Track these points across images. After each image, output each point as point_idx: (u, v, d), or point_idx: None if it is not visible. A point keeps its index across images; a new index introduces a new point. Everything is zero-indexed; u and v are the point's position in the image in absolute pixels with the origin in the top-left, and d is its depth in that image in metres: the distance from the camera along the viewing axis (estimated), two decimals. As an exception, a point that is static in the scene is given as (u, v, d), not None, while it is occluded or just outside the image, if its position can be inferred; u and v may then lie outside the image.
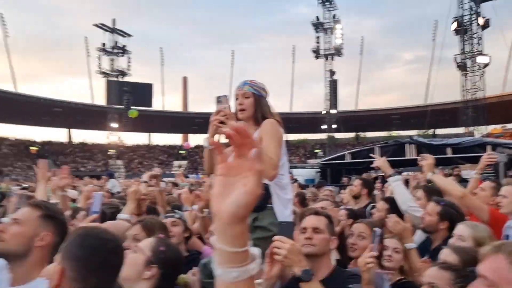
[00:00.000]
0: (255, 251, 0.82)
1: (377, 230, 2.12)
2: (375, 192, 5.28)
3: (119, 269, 1.34)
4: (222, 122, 2.18)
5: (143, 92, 49.06)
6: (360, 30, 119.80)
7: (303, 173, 16.35)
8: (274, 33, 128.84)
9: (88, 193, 4.38)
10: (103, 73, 48.55)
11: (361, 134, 59.80)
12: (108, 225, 1.93)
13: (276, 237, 1.79)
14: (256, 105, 2.46)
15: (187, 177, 14.79)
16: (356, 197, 4.94)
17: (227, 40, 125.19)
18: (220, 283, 0.79)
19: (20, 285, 1.72)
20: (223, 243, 0.79)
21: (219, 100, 2.24)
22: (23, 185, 10.63)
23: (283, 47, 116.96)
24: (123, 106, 45.88)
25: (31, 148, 48.43)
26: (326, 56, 46.28)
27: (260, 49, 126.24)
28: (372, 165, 4.26)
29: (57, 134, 53.81)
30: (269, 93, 2.56)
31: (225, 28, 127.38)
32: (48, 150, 49.12)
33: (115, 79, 48.71)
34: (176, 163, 49.26)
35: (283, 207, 2.42)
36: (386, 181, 4.39)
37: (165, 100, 61.98)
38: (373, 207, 4.13)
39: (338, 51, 46.13)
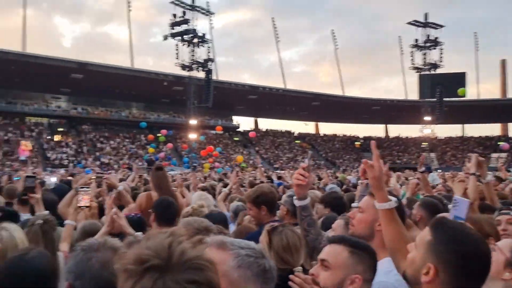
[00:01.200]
0: None
1: None
2: None
3: (485, 277, 1.20)
4: None
5: (455, 82, 44.68)
6: None
7: None
8: None
9: (413, 185, 4.39)
10: (416, 68, 47.63)
11: None
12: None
13: None
14: None
15: (508, 171, 12.60)
16: None
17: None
18: None
19: None
20: None
21: None
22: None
23: None
24: (435, 99, 43.53)
25: (355, 143, 53.34)
26: None
27: None
28: None
29: (375, 130, 56.83)
30: None
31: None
32: (369, 144, 52.66)
33: (427, 72, 46.86)
34: (494, 155, 42.00)
35: None
36: None
37: (480, 88, 54.62)
38: None
39: None
